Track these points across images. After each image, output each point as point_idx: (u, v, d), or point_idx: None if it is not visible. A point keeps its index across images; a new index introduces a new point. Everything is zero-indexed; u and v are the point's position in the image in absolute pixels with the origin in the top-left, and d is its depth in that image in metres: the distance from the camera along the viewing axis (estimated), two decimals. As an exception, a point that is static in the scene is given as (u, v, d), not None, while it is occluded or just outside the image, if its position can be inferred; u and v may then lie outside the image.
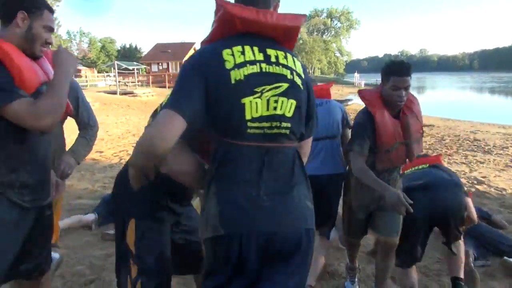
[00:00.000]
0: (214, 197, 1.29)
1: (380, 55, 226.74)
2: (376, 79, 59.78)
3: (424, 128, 10.95)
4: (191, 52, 30.53)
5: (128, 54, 65.98)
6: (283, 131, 1.32)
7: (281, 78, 1.31)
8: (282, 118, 1.30)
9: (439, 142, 10.85)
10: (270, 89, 1.28)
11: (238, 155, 1.29)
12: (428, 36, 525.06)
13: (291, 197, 1.32)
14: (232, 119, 1.26)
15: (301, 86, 1.36)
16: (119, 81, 25.51)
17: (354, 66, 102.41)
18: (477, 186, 5.81)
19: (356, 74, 56.54)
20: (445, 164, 7.59)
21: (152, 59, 34.42)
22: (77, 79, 32.29)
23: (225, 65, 1.25)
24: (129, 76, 31.30)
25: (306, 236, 1.34)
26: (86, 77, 36.00)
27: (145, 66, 34.36)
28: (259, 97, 1.27)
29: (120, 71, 27.92)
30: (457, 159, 8.28)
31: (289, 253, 1.31)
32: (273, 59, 1.31)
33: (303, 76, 1.39)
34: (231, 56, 1.26)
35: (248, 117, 1.26)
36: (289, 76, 1.32)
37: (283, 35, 1.37)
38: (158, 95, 25.07)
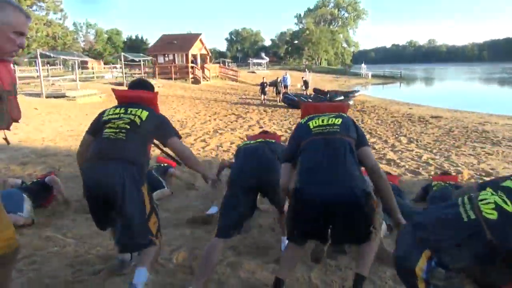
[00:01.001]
0: None
1: (388, 46, 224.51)
2: (383, 70, 59.20)
3: (432, 120, 11.02)
4: (198, 43, 30.26)
5: (135, 45, 66.04)
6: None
7: None
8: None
9: (447, 133, 10.75)
10: None
11: None
12: (437, 26, 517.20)
13: None
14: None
15: None
16: (125, 73, 25.56)
17: (361, 57, 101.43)
18: (485, 178, 5.75)
19: (363, 65, 55.99)
20: (453, 157, 7.55)
21: (158, 50, 34.30)
22: (83, 71, 32.28)
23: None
24: (135, 67, 31.32)
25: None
26: (92, 68, 36.11)
27: (151, 58, 34.27)
28: None
29: (127, 62, 27.91)
30: (465, 151, 8.20)
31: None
32: None
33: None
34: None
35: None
36: None
37: None
38: (164, 87, 25.09)
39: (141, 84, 2.76)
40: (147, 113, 2.42)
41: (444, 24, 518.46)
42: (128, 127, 2.33)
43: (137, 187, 2.24)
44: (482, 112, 15.92)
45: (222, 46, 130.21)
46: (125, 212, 2.20)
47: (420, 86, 43.94)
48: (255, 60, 57.09)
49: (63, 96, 15.73)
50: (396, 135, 10.40)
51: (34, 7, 44.31)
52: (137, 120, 2.36)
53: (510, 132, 10.94)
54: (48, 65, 30.17)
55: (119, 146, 2.27)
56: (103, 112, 2.53)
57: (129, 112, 2.41)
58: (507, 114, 15.06)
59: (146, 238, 2.28)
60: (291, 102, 17.63)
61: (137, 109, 2.42)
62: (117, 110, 2.45)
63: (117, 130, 2.32)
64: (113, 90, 2.79)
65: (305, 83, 24.24)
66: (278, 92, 19.88)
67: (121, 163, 2.23)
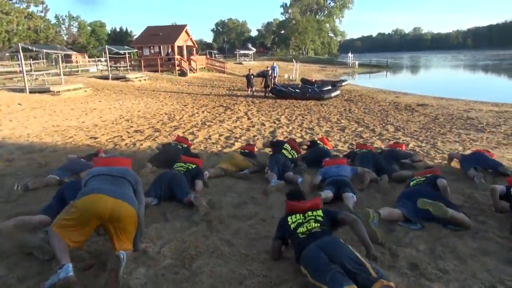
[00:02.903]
0: None
1: (374, 35, 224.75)
2: (370, 59, 59.45)
3: (418, 108, 11.24)
4: (183, 34, 29.96)
5: (119, 38, 64.77)
6: None
7: None
8: None
9: (432, 121, 10.91)
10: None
11: None
12: (422, 14, 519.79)
13: None
14: None
15: None
16: (110, 66, 25.16)
17: (348, 46, 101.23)
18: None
19: (350, 54, 56.06)
20: (439, 144, 7.67)
21: (143, 42, 33.81)
22: (68, 65, 31.57)
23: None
24: (120, 60, 30.79)
25: None
26: (77, 62, 35.41)
27: (136, 50, 33.77)
28: None
29: (112, 55, 27.41)
30: (450, 138, 8.35)
31: None
32: None
33: None
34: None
35: None
36: None
37: None
38: (150, 79, 24.81)
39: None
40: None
41: (429, 12, 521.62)
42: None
43: None
44: (467, 99, 16.17)
45: (209, 37, 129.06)
46: None
47: (406, 75, 44.30)
48: (242, 51, 56.69)
49: (47, 91, 15.43)
50: (383, 124, 10.51)
51: (14, 0, 43.06)
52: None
53: (493, 118, 11.15)
54: (31, 59, 29.44)
55: None
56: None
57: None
58: (491, 101, 15.33)
59: None
60: (279, 93, 17.62)
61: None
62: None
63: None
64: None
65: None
66: (267, 86, 18.49)
67: None
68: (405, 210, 3.60)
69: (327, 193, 4.20)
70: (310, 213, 2.95)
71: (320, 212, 2.95)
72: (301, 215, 2.94)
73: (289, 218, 2.95)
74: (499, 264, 2.82)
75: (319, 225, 2.81)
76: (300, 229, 2.80)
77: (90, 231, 2.65)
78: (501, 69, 44.55)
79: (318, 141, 6.88)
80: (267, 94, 18.30)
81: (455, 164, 5.81)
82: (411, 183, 4.32)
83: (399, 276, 2.64)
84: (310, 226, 2.81)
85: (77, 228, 2.55)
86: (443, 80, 34.06)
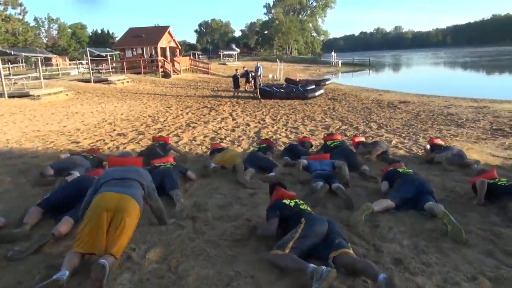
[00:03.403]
0: None
1: (357, 33, 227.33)
2: (353, 58, 60.09)
3: (400, 105, 11.43)
4: (166, 35, 29.64)
5: (101, 40, 63.84)
6: None
7: None
8: None
9: (414, 118, 11.09)
10: None
11: None
12: (402, 13, 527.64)
13: None
14: None
15: None
16: (92, 69, 24.78)
17: (331, 46, 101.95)
18: (451, 159, 5.99)
19: (333, 54, 56.52)
20: (421, 140, 7.80)
21: (125, 44, 33.37)
22: (48, 68, 30.96)
23: None
24: (102, 63, 30.37)
25: None
26: (57, 65, 34.76)
27: (118, 52, 33.33)
28: None
29: (93, 58, 27.04)
30: (432, 134, 8.50)
31: None
32: None
33: None
34: None
35: None
36: None
37: None
38: (133, 82, 24.52)
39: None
40: None
41: (410, 10, 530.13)
42: None
43: None
44: (447, 96, 16.50)
45: (192, 38, 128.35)
46: None
47: (389, 73, 44.96)
48: (226, 52, 56.57)
49: (27, 95, 15.10)
50: (367, 122, 10.64)
51: (-10, 3, 42.05)
52: None
53: (473, 114, 11.41)
54: (9, 63, 28.81)
55: None
56: None
57: None
58: (470, 97, 15.69)
59: None
60: (263, 93, 17.62)
61: None
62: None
63: None
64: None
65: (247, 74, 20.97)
66: (256, 87, 17.78)
67: None
68: (399, 200, 3.82)
69: (320, 184, 4.43)
70: (297, 201, 3.35)
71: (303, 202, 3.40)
72: (293, 200, 3.32)
73: (285, 201, 3.30)
74: (480, 256, 2.88)
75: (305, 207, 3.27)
76: (302, 206, 3.23)
77: (102, 229, 2.70)
78: (480, 65, 45.66)
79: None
80: (258, 95, 17.44)
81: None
82: (400, 170, 4.45)
83: (384, 271, 2.67)
84: (305, 207, 3.25)
85: (91, 230, 2.68)
86: (424, 77, 34.69)
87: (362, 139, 7.34)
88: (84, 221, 2.76)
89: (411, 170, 4.45)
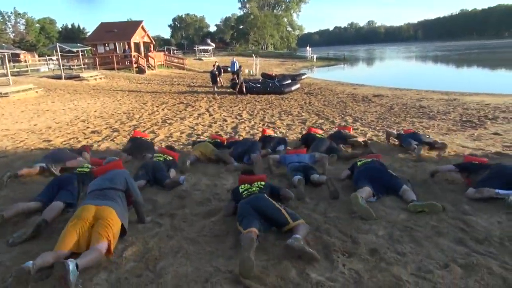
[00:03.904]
0: None
1: (331, 28, 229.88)
2: (328, 52, 60.74)
3: (374, 98, 11.63)
4: (139, 30, 29.02)
5: (71, 35, 62.01)
6: None
7: None
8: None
9: (388, 111, 11.34)
10: None
11: None
12: (375, 7, 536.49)
13: None
14: None
15: None
16: (63, 65, 24.02)
17: (306, 40, 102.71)
18: (424, 151, 6.16)
19: (308, 48, 56.96)
20: (395, 132, 7.96)
21: (97, 39, 32.46)
22: (16, 64, 29.88)
23: None
24: (73, 59, 29.49)
25: None
26: (26, 61, 33.46)
27: (90, 48, 32.44)
28: None
29: (64, 53, 26.21)
30: (405, 126, 8.71)
31: None
32: None
33: None
34: None
35: None
36: None
37: None
38: (106, 78, 23.95)
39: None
40: None
41: (382, 5, 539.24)
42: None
43: None
44: (419, 89, 16.94)
45: (166, 33, 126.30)
46: None
47: (363, 67, 45.72)
48: (201, 47, 56.03)
49: (-7, 93, 14.50)
50: (342, 115, 10.80)
51: (-49, -4, 39.93)
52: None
53: (443, 106, 11.77)
54: (-27, 59, 27.50)
55: None
56: None
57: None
58: (440, 90, 16.17)
59: None
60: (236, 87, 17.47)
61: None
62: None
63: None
64: None
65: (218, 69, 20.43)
66: (236, 83, 17.23)
67: None
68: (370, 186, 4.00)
69: (298, 178, 4.45)
70: (256, 183, 3.81)
71: (263, 183, 3.83)
72: (249, 184, 3.80)
73: (240, 187, 3.76)
74: (452, 244, 2.99)
75: (258, 190, 3.65)
76: (245, 193, 3.62)
77: (80, 233, 2.86)
78: (449, 59, 47.07)
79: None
80: (243, 91, 17.04)
81: (393, 141, 6.82)
82: (359, 163, 4.60)
83: (360, 262, 2.73)
84: (252, 190, 3.66)
85: (67, 231, 2.85)
86: (397, 71, 35.47)
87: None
88: (68, 225, 2.94)
89: (370, 160, 4.62)
